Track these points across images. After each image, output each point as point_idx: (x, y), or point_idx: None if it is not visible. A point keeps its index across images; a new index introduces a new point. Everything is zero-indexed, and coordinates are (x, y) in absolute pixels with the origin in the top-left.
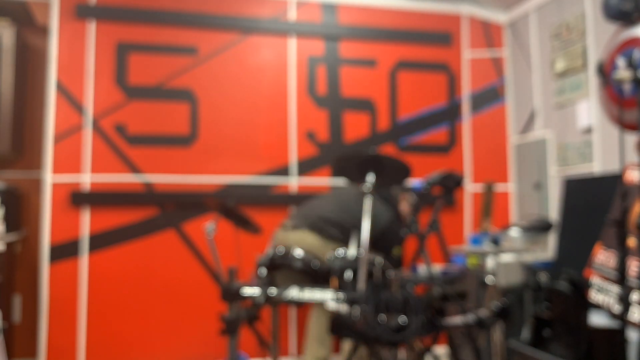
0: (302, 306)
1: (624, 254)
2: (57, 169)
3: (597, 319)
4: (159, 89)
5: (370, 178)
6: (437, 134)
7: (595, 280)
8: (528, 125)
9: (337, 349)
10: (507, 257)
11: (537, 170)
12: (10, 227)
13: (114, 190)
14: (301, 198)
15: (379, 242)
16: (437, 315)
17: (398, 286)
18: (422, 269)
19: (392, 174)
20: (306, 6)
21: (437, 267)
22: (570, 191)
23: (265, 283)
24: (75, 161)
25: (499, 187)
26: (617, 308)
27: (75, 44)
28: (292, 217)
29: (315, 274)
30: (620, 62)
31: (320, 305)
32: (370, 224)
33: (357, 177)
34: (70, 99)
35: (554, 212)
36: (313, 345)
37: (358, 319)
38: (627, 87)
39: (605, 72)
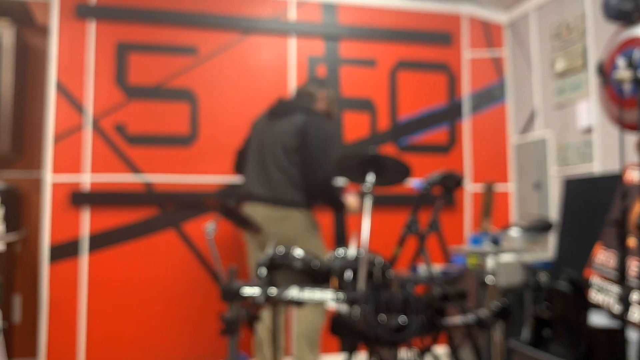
0: (302, 306)
1: (624, 254)
2: (57, 169)
3: (597, 319)
4: (159, 89)
5: (370, 178)
6: (437, 134)
7: (595, 280)
8: (528, 125)
9: (334, 348)
10: (507, 257)
11: (537, 170)
12: (10, 227)
13: (114, 190)
14: None
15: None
16: (437, 315)
17: (398, 286)
18: (422, 269)
19: (392, 174)
20: (306, 6)
21: (437, 267)
22: (570, 191)
23: (265, 283)
24: (75, 161)
25: (499, 187)
26: (617, 308)
27: (75, 43)
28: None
29: (315, 274)
30: (620, 62)
31: (316, 305)
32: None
33: (357, 177)
34: (70, 98)
35: (554, 212)
36: (304, 349)
37: (358, 319)
38: (627, 87)
39: (605, 72)
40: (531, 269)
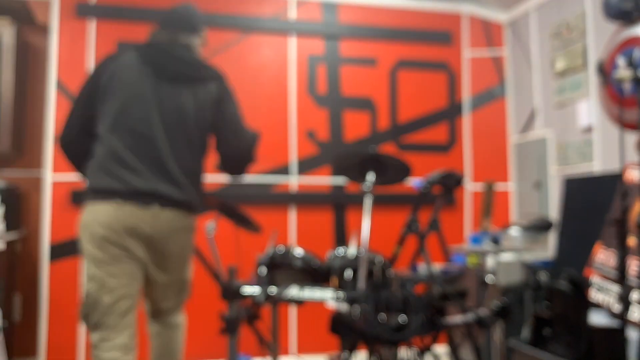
0: (302, 305)
1: (624, 253)
2: (57, 168)
3: (597, 318)
4: None
5: (370, 177)
6: (437, 133)
7: (595, 279)
8: (528, 124)
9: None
10: (507, 257)
11: (537, 170)
12: (11, 225)
13: None
14: (301, 197)
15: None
16: (437, 314)
17: (398, 285)
18: (422, 268)
19: (392, 173)
20: (306, 5)
21: (437, 267)
22: (570, 190)
23: (265, 282)
24: None
25: (499, 186)
26: (617, 307)
27: (75, 42)
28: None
29: (316, 273)
30: (621, 61)
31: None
32: None
33: (357, 176)
34: (70, 97)
35: (554, 211)
36: None
37: (358, 318)
38: (627, 87)
39: (605, 71)
40: (531, 268)
